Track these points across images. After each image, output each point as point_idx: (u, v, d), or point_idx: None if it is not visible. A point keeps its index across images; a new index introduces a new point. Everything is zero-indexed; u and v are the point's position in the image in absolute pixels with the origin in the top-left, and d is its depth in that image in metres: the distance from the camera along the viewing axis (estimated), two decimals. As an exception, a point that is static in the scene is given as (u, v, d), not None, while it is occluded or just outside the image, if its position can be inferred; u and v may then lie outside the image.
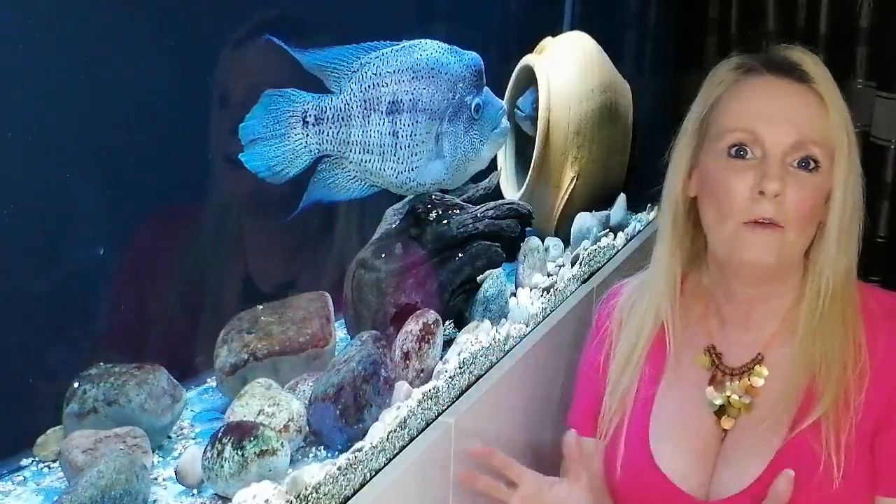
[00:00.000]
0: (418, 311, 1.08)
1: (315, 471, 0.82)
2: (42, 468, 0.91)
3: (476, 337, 1.15)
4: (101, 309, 1.03)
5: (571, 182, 1.62)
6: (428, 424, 1.02)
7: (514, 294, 1.33)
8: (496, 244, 1.24)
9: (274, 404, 0.91)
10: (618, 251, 1.68)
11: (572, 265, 1.48)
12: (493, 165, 1.68)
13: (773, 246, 1.10)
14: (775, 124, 1.11)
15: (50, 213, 0.97)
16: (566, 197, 1.63)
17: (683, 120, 1.22)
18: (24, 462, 0.92)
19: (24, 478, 0.89)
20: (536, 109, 1.61)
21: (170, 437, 0.98)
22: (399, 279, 1.13)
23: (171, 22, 1.05)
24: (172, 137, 1.08)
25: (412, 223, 1.19)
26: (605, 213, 1.70)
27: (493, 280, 1.22)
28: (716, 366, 1.19)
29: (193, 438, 0.99)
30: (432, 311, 1.08)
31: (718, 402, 1.16)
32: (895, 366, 1.11)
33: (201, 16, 1.10)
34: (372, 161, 1.08)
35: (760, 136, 1.11)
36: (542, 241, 1.46)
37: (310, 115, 1.04)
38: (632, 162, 1.82)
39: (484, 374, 1.16)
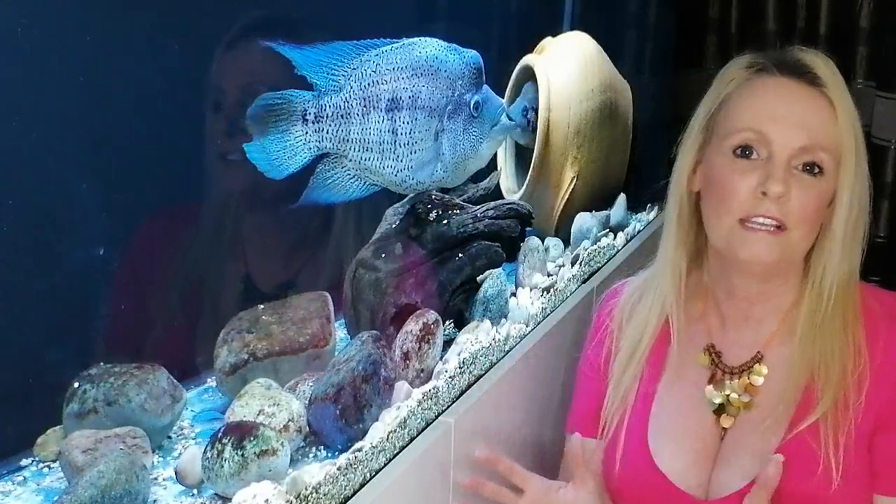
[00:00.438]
0: (418, 311, 1.08)
1: (315, 471, 0.82)
2: (42, 468, 0.91)
3: (476, 337, 1.15)
4: (102, 309, 1.03)
5: (571, 182, 1.62)
6: (428, 424, 1.02)
7: (514, 294, 1.33)
8: (496, 244, 1.24)
9: (274, 404, 0.91)
10: (618, 251, 1.68)
11: (572, 265, 1.48)
12: (493, 165, 1.68)
13: (773, 245, 1.10)
14: (784, 126, 1.11)
15: (50, 213, 0.97)
16: (566, 197, 1.62)
17: (685, 119, 1.22)
18: (24, 462, 0.92)
19: (24, 478, 0.89)
20: (527, 117, 1.62)
21: (170, 437, 0.98)
22: (399, 279, 1.13)
23: (170, 21, 1.05)
24: (172, 137, 1.08)
25: (412, 223, 1.19)
26: (605, 213, 1.70)
27: (493, 280, 1.22)
28: (715, 364, 1.19)
29: (193, 438, 0.99)
30: (432, 311, 1.08)
31: (718, 400, 1.16)
32: (895, 366, 1.11)
33: (202, 15, 1.10)
34: (371, 159, 1.08)
35: (768, 137, 1.11)
36: (542, 241, 1.46)
37: (310, 113, 1.04)
38: (632, 162, 1.82)
39: (484, 374, 1.16)
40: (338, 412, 0.91)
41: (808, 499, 1.08)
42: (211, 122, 1.17)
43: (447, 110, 1.10)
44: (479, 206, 1.27)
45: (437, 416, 1.03)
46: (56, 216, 0.97)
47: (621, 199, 1.75)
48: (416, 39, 1.09)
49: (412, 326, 1.06)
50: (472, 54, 1.12)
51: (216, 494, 0.84)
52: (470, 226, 1.21)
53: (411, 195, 1.19)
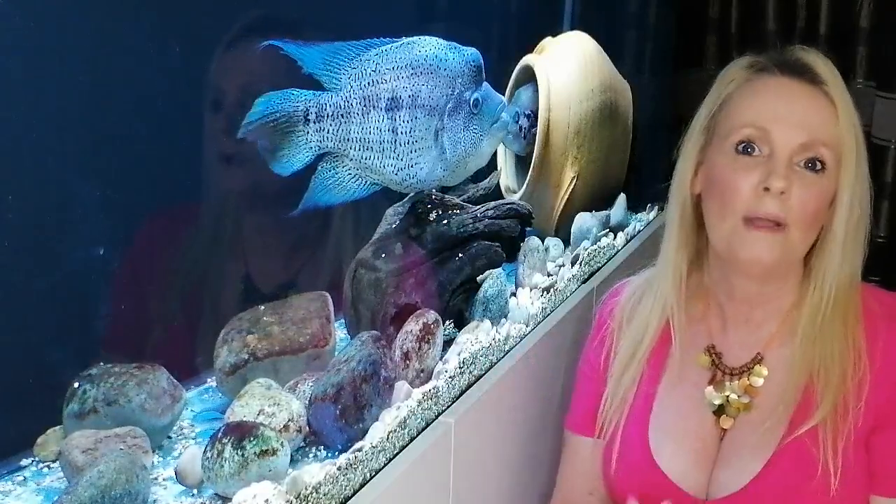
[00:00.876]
0: (418, 311, 1.08)
1: (315, 471, 0.82)
2: (42, 468, 0.91)
3: (476, 337, 1.15)
4: (102, 309, 1.03)
5: (571, 182, 1.62)
6: (428, 424, 1.02)
7: (514, 294, 1.32)
8: (496, 244, 1.24)
9: (274, 404, 0.91)
10: (618, 251, 1.68)
11: (572, 265, 1.48)
12: (493, 165, 1.68)
13: (773, 245, 1.10)
14: (786, 124, 1.11)
15: (50, 213, 0.97)
16: (566, 197, 1.62)
17: (685, 119, 1.22)
18: (24, 462, 0.92)
19: (24, 478, 0.89)
20: (518, 123, 1.62)
21: (170, 437, 0.98)
22: (399, 279, 1.13)
23: (170, 21, 1.05)
24: (172, 137, 1.08)
25: (412, 223, 1.19)
26: (605, 213, 1.70)
27: (493, 280, 1.22)
28: (716, 365, 1.19)
29: (193, 438, 0.99)
30: (432, 311, 1.08)
31: (717, 401, 1.17)
32: (894, 367, 1.11)
33: (202, 15, 1.10)
34: (371, 158, 1.08)
35: (770, 134, 1.11)
36: (542, 241, 1.46)
37: (311, 113, 1.04)
38: (632, 162, 1.82)
39: (484, 374, 1.16)
40: (338, 412, 0.91)
41: (805, 501, 1.08)
42: (211, 121, 1.17)
43: (447, 108, 1.10)
44: (479, 206, 1.27)
45: (437, 417, 1.03)
46: (56, 216, 0.97)
47: (621, 199, 1.75)
48: (415, 38, 1.09)
49: (412, 326, 1.06)
50: (471, 52, 1.12)
51: (216, 494, 0.84)
52: (470, 226, 1.21)
53: (411, 195, 1.19)
